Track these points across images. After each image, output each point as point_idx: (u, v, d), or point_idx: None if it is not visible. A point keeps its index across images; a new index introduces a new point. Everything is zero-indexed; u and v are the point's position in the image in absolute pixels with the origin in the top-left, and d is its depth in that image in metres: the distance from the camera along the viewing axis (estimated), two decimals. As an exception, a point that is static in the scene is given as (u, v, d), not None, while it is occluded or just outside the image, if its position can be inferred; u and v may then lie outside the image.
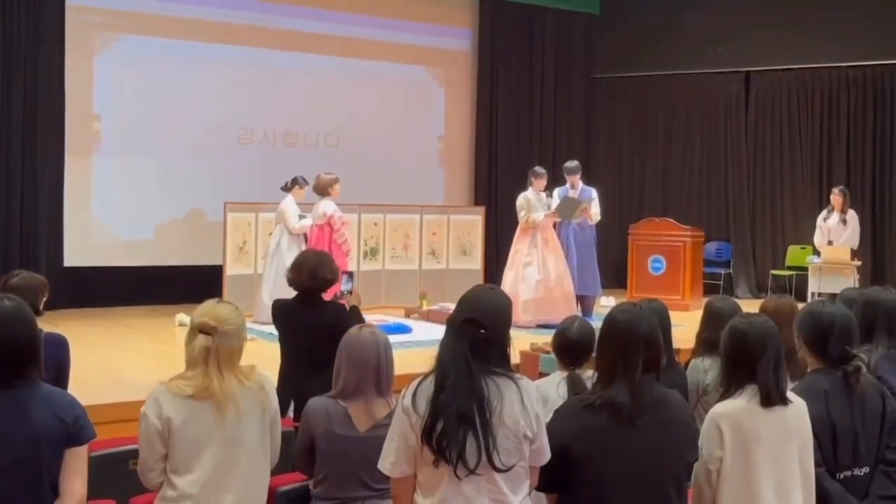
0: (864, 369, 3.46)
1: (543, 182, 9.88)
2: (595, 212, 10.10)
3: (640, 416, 2.96)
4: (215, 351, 3.11)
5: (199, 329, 3.14)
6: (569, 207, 9.86)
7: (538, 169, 10.05)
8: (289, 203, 9.39)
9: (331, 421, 3.45)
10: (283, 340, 5.00)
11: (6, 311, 2.92)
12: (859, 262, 10.97)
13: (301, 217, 9.38)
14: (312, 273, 4.91)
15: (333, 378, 3.55)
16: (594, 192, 10.22)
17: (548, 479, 3.01)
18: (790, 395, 3.31)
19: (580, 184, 10.22)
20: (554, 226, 9.95)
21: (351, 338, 3.55)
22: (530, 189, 9.85)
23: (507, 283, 9.43)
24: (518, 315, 8.79)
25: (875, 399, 3.48)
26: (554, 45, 13.88)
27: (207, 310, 3.20)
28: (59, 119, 10.30)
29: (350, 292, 5.45)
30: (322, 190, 9.12)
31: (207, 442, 3.09)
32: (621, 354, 3.01)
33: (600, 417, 2.97)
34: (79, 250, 10.47)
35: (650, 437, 2.97)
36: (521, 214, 9.77)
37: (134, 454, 3.88)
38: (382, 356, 3.52)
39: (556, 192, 10.19)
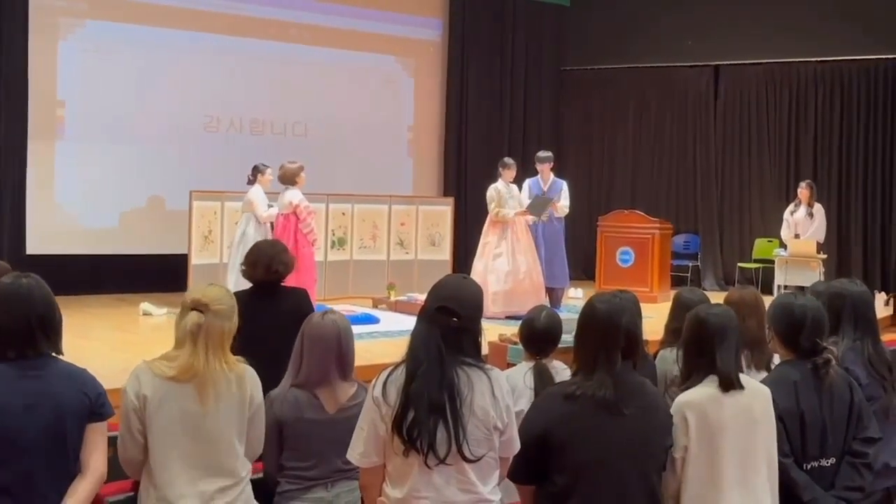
0: (834, 361, 3.47)
1: (512, 173, 9.86)
2: (564, 204, 10.09)
3: (623, 404, 2.97)
4: (205, 330, 3.09)
5: (191, 306, 3.13)
6: (539, 206, 9.86)
7: (507, 160, 10.03)
8: (256, 192, 9.28)
9: (300, 408, 3.43)
10: (243, 331, 4.93)
11: (23, 288, 3.00)
12: (825, 256, 11.07)
13: (269, 206, 9.29)
14: (267, 267, 4.90)
15: (293, 366, 3.51)
16: (565, 185, 10.21)
17: (524, 468, 3.00)
18: (755, 382, 3.35)
19: (551, 175, 10.21)
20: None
21: (312, 326, 3.52)
22: (500, 180, 9.83)
23: (477, 274, 9.39)
24: (487, 306, 8.76)
25: (843, 390, 3.50)
26: (524, 36, 13.87)
27: (200, 289, 3.21)
28: (21, 104, 10.11)
29: None
30: (288, 179, 9.02)
31: (184, 427, 3.05)
32: (602, 344, 3.01)
33: (582, 406, 2.97)
34: (41, 238, 10.29)
35: (633, 423, 2.98)
36: (492, 207, 9.76)
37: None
38: (344, 342, 3.50)
39: (527, 183, 10.19)
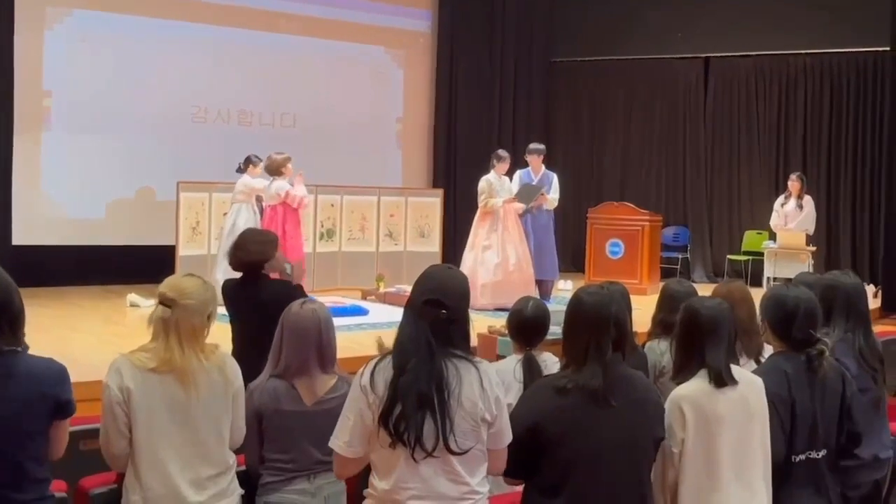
0: (827, 353, 3.45)
1: (506, 165, 9.84)
2: (553, 197, 10.09)
3: (613, 396, 2.93)
4: (175, 324, 3.05)
5: (159, 300, 3.09)
6: (528, 193, 9.84)
7: (501, 152, 10.01)
8: (249, 179, 9.30)
9: (279, 399, 3.40)
10: (235, 320, 4.94)
11: None
12: (814, 248, 11.08)
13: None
14: (250, 249, 4.86)
15: (272, 355, 3.47)
16: (555, 177, 10.19)
17: (517, 463, 2.97)
18: (749, 374, 3.33)
19: (542, 167, 10.18)
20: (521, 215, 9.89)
21: (291, 315, 3.46)
22: (493, 172, 9.81)
23: (467, 266, 9.40)
24: (476, 298, 8.76)
25: (836, 382, 3.48)
26: (514, 28, 13.82)
27: (172, 281, 3.16)
28: (7, 95, 10.03)
29: (290, 272, 5.37)
30: (275, 170, 9.02)
31: (172, 417, 3.03)
32: (592, 336, 2.96)
33: (574, 399, 2.93)
34: (28, 228, 10.22)
35: (623, 416, 2.95)
36: (482, 198, 9.74)
37: (85, 435, 3.79)
38: (324, 332, 3.45)
39: (518, 174, 10.17)
